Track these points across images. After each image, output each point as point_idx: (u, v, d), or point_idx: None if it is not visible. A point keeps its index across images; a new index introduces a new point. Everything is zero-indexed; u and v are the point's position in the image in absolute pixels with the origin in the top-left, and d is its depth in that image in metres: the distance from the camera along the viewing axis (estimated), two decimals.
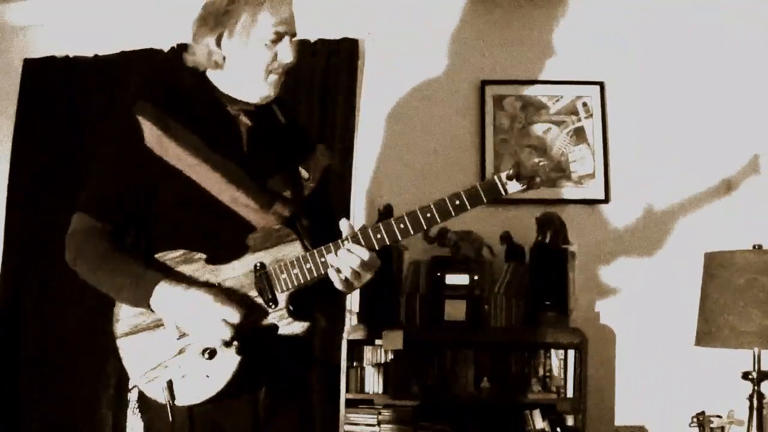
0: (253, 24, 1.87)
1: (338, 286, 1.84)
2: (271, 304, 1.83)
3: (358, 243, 1.81)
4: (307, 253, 1.82)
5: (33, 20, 3.76)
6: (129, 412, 1.91)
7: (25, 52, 3.72)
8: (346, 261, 1.80)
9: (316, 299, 1.92)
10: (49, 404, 3.48)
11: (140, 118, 1.87)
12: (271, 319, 1.83)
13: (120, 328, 1.88)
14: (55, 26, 3.75)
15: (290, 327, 1.83)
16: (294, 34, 1.94)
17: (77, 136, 3.62)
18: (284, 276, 1.82)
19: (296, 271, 1.82)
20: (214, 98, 1.95)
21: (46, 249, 3.53)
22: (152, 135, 1.86)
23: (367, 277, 1.85)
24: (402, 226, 1.80)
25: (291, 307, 1.83)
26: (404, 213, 1.80)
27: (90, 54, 3.69)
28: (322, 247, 1.82)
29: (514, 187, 1.79)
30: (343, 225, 1.83)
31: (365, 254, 1.80)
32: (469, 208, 1.79)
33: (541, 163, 1.82)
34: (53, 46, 3.71)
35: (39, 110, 3.67)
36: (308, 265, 1.82)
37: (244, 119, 1.94)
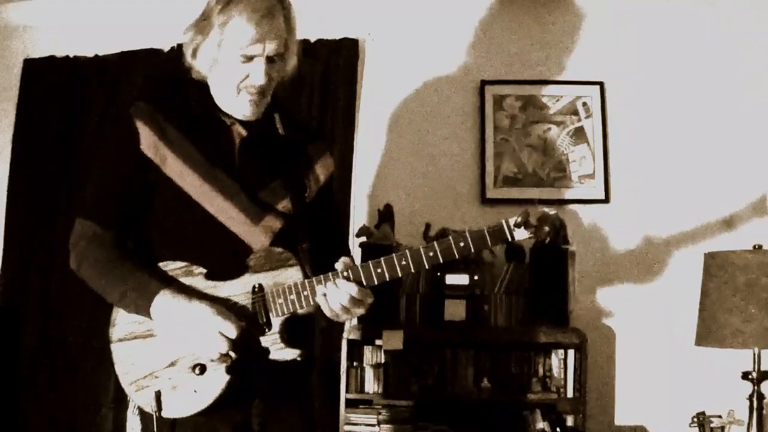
0: (221, 39, 1.83)
1: (327, 313, 1.83)
2: (265, 327, 1.81)
3: (357, 277, 1.79)
4: (306, 281, 1.81)
5: (33, 20, 3.76)
6: (129, 412, 1.91)
7: (25, 52, 3.72)
8: (335, 296, 1.79)
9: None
10: (49, 404, 3.48)
11: (137, 122, 1.85)
12: (263, 342, 1.81)
13: (115, 333, 1.88)
14: (55, 26, 3.74)
15: (281, 353, 1.81)
16: (276, 55, 1.86)
17: (77, 136, 3.62)
18: (281, 301, 1.81)
19: (293, 297, 1.80)
20: (212, 105, 1.93)
21: (46, 249, 3.54)
22: (148, 140, 1.85)
23: (358, 312, 1.82)
24: (404, 262, 1.78)
25: (285, 333, 1.81)
26: (407, 249, 1.79)
27: (90, 54, 3.69)
28: (321, 276, 1.80)
29: (521, 235, 1.77)
30: (340, 262, 1.81)
31: (354, 290, 1.78)
32: (473, 250, 1.77)
33: (551, 212, 1.80)
34: (53, 46, 3.71)
35: (39, 110, 3.67)
36: (305, 293, 1.80)
37: (239, 129, 1.91)
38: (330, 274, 1.80)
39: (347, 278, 1.79)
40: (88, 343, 3.38)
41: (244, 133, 1.91)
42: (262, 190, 1.90)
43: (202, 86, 1.94)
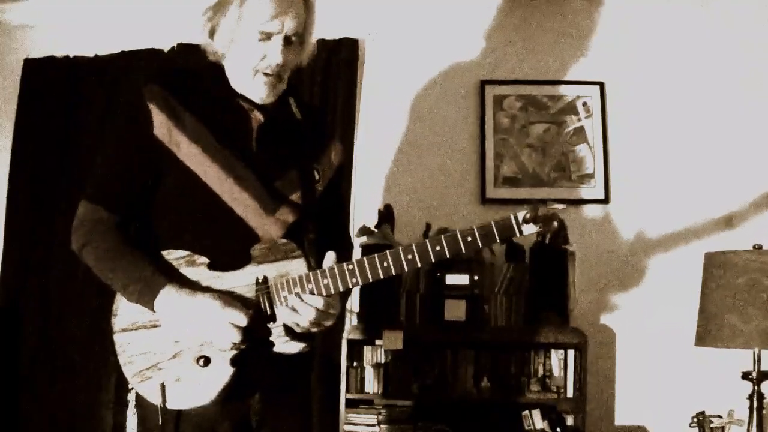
0: (239, 18, 1.81)
1: (294, 328, 1.81)
2: (270, 320, 1.80)
3: (362, 269, 1.77)
4: (311, 273, 1.79)
5: (33, 20, 3.75)
6: (129, 412, 1.90)
7: (25, 52, 3.72)
8: (303, 311, 1.77)
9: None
10: (50, 404, 3.48)
11: (151, 105, 1.81)
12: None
13: (118, 322, 1.85)
14: (55, 26, 3.74)
15: (286, 346, 1.80)
16: (294, 35, 1.85)
17: (77, 135, 3.62)
18: (285, 293, 1.79)
19: (297, 289, 1.78)
20: (228, 90, 1.88)
21: (46, 249, 3.53)
22: (161, 124, 1.80)
23: (326, 324, 1.83)
24: (410, 256, 1.75)
25: (289, 326, 1.80)
26: (413, 243, 1.76)
27: (90, 54, 3.69)
28: (326, 269, 1.79)
29: (529, 229, 1.75)
30: (328, 259, 1.80)
31: (320, 303, 1.77)
32: (480, 245, 1.75)
33: (560, 206, 1.78)
34: (53, 46, 3.71)
35: (39, 110, 3.67)
36: (310, 286, 1.78)
37: (257, 114, 1.87)
38: (325, 269, 1.78)
39: (352, 272, 1.78)
40: (88, 342, 3.38)
41: (261, 118, 1.87)
42: (279, 179, 1.87)
43: (218, 70, 1.90)
